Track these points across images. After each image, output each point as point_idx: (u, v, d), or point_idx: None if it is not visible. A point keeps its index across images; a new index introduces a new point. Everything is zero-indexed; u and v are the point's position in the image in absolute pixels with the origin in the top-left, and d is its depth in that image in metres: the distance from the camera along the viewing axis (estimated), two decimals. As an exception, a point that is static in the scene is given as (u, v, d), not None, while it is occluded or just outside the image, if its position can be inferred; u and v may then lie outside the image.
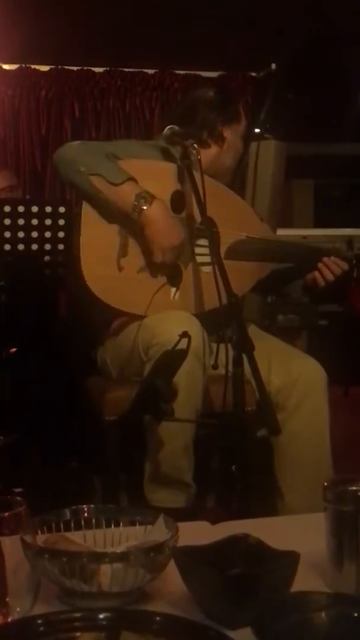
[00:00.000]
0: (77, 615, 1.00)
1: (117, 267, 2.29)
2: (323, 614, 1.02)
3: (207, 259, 2.30)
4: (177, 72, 4.40)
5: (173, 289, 2.31)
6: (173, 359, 2.07)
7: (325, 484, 1.32)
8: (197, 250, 2.36)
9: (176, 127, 2.40)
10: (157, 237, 2.24)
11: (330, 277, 2.36)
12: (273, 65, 4.29)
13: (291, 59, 4.16)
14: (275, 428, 2.01)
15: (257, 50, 4.16)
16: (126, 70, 4.35)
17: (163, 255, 2.26)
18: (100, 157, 2.29)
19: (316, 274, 2.37)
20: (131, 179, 2.25)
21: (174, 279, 2.32)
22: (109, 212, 2.28)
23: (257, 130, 3.73)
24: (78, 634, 0.99)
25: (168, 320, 2.17)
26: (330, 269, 2.36)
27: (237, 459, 2.01)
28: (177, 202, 2.34)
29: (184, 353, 2.11)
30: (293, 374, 2.30)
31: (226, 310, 2.01)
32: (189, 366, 2.09)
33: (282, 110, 4.04)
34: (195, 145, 2.31)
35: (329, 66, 4.06)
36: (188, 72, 4.40)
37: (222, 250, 2.30)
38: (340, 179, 5.13)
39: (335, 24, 3.89)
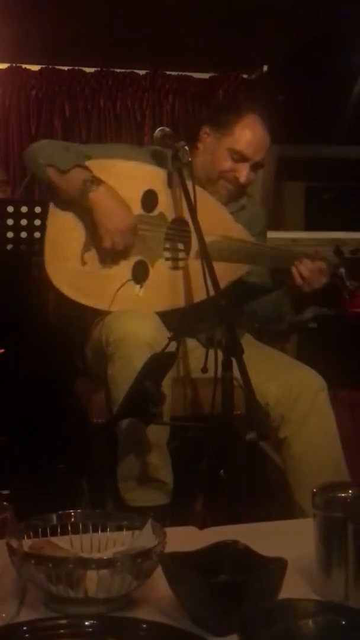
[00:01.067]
0: (63, 622, 0.99)
1: (80, 261, 2.29)
2: (310, 622, 1.01)
3: (177, 262, 2.31)
4: (169, 73, 4.39)
5: (137, 286, 2.31)
6: (162, 361, 2.07)
7: (314, 490, 1.31)
8: (169, 247, 2.34)
9: (167, 129, 2.39)
10: (104, 221, 2.23)
11: (306, 273, 2.29)
12: (265, 67, 4.29)
13: (283, 61, 4.16)
14: (264, 432, 2.00)
15: (249, 52, 4.16)
16: (117, 70, 4.34)
17: (111, 239, 2.24)
18: (58, 150, 2.31)
19: (293, 269, 2.31)
20: (80, 165, 2.25)
21: (139, 275, 2.31)
22: (65, 203, 2.29)
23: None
24: (63, 641, 0.98)
25: (123, 317, 2.18)
26: (307, 268, 2.30)
27: (226, 462, 2.01)
28: (149, 201, 2.33)
29: (173, 356, 2.11)
30: (294, 386, 2.27)
31: (216, 313, 2.00)
32: (142, 358, 2.07)
33: (273, 113, 4.04)
34: (186, 147, 2.30)
35: (320, 68, 4.07)
36: (180, 73, 4.39)
37: (194, 250, 2.29)
38: (331, 182, 5.13)
39: (327, 27, 3.89)
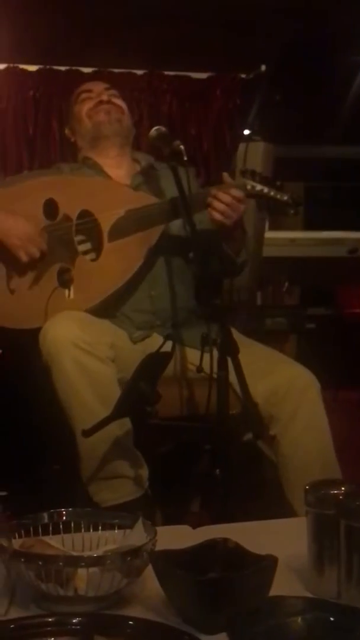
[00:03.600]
0: (50, 619, 0.99)
1: (8, 292, 2.31)
2: (299, 619, 1.01)
3: (93, 252, 2.32)
4: (166, 73, 4.37)
5: (66, 290, 2.31)
6: (157, 361, 2.06)
7: (307, 487, 1.31)
8: (81, 240, 2.34)
9: (162, 128, 2.38)
10: (7, 239, 2.27)
11: (221, 207, 2.21)
12: (262, 67, 4.27)
13: (281, 61, 4.15)
14: (259, 431, 2.00)
15: (247, 52, 4.15)
16: (115, 71, 4.32)
17: (24, 251, 2.27)
18: None
19: (209, 210, 2.24)
20: None
21: (65, 279, 2.31)
22: None
23: (245, 131, 3.72)
24: (51, 638, 0.98)
25: (46, 326, 2.17)
26: (219, 199, 2.21)
27: (221, 462, 2.00)
28: (50, 209, 2.34)
29: (168, 355, 2.10)
30: (282, 384, 2.22)
31: (209, 313, 1.99)
32: (78, 360, 2.09)
33: (271, 112, 4.04)
34: (181, 146, 2.29)
35: (318, 68, 4.06)
36: (177, 73, 4.37)
37: (105, 234, 2.29)
38: (330, 182, 5.13)
39: (325, 26, 3.88)
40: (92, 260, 2.33)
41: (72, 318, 2.18)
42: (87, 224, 2.32)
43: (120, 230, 2.31)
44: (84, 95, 2.58)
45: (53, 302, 2.27)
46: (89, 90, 2.59)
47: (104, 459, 2.13)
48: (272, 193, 2.29)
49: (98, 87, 2.62)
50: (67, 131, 2.64)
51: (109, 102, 2.55)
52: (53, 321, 2.18)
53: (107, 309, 2.31)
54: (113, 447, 2.13)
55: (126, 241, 2.30)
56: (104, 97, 2.55)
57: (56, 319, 2.18)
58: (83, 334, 2.12)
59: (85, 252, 2.34)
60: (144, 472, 2.19)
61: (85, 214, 2.32)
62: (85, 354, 2.10)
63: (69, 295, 2.29)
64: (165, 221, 2.32)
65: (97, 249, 2.32)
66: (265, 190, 2.29)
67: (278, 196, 2.29)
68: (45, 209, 2.34)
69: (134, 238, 2.30)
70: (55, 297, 2.28)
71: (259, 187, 2.29)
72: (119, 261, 2.31)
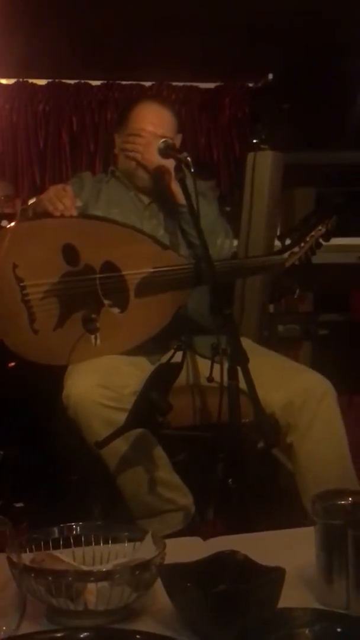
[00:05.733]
0: (58, 635, 1.00)
1: (31, 331, 2.28)
2: (307, 630, 1.01)
3: (120, 306, 2.29)
4: (175, 84, 4.40)
5: (92, 337, 2.29)
6: (168, 371, 2.07)
7: (314, 497, 1.31)
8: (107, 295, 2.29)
9: (170, 140, 2.38)
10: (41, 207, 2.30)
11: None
12: (270, 75, 4.29)
13: (289, 69, 4.17)
14: (271, 440, 2.00)
15: (254, 61, 4.17)
16: (123, 83, 4.36)
17: (54, 207, 2.28)
18: None
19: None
20: None
21: (90, 328, 2.28)
22: None
23: (254, 140, 3.73)
24: (60, 654, 0.99)
25: (70, 378, 2.18)
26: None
27: (234, 471, 2.00)
28: (71, 255, 2.28)
29: (179, 366, 2.11)
30: (299, 394, 2.21)
31: (219, 323, 2.00)
32: (105, 417, 2.10)
33: (279, 120, 4.05)
34: (189, 158, 2.29)
35: (326, 74, 4.07)
36: (185, 83, 4.41)
37: (132, 289, 2.26)
38: (341, 187, 5.13)
39: (333, 34, 3.89)
40: (119, 312, 2.30)
41: (92, 373, 2.17)
42: (113, 278, 2.28)
43: (147, 288, 2.27)
44: (139, 141, 2.43)
45: (80, 346, 2.26)
46: (141, 135, 2.44)
47: (146, 500, 2.16)
48: (308, 239, 2.36)
49: (150, 133, 2.44)
50: (116, 135, 2.53)
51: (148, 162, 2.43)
52: (74, 378, 2.17)
53: None
54: (154, 488, 2.17)
55: (155, 298, 2.28)
56: (148, 164, 2.43)
57: (77, 375, 2.17)
58: (106, 390, 2.12)
59: (111, 305, 2.30)
60: (188, 500, 2.22)
61: (109, 267, 2.27)
62: (111, 410, 2.11)
63: (95, 342, 2.28)
64: (192, 286, 2.28)
65: (124, 302, 2.28)
66: (303, 245, 2.35)
67: (319, 231, 2.36)
68: (64, 254, 2.28)
69: (163, 296, 2.27)
70: (81, 342, 2.27)
71: (296, 249, 2.33)
72: (147, 316, 2.28)
